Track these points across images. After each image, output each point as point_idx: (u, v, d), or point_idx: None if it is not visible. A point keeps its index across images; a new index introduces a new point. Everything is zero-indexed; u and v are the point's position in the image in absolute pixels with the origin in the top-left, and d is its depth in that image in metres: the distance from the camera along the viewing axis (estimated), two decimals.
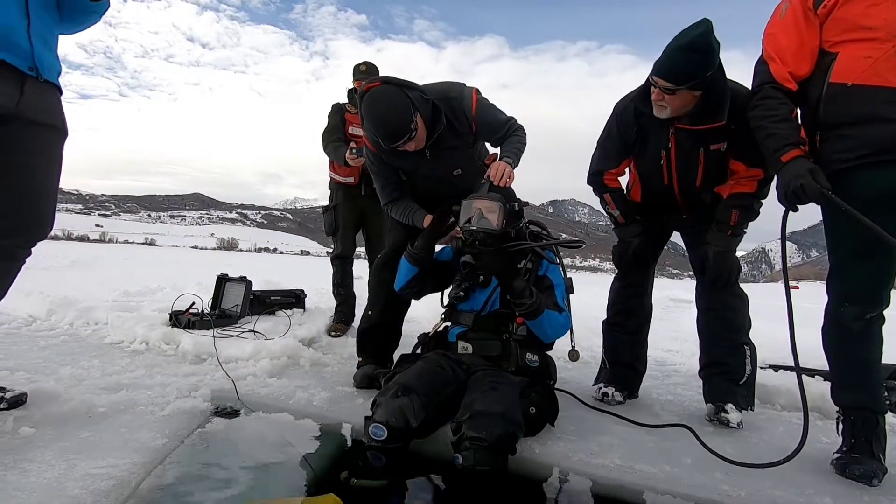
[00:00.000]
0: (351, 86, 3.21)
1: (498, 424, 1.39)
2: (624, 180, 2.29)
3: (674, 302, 8.12)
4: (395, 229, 2.29)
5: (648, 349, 2.33)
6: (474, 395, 1.54)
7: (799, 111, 1.64)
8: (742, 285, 2.11)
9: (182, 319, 2.81)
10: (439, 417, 1.59)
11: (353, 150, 2.91)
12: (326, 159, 3.27)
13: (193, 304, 2.97)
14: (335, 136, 3.17)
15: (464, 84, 2.05)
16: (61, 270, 7.60)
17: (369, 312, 2.27)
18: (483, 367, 1.76)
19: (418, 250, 1.93)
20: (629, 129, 2.03)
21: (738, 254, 2.08)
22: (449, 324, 1.97)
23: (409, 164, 2.08)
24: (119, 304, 3.58)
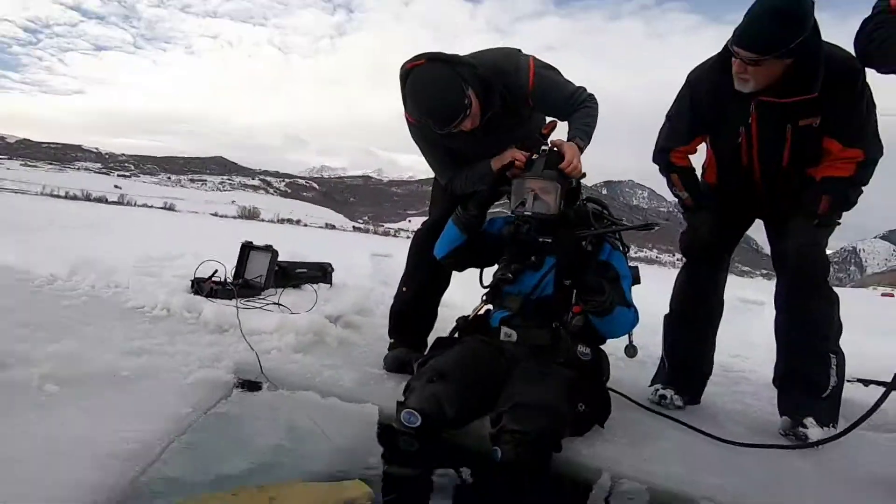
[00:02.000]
0: None
1: (542, 418, 1.39)
2: (698, 159, 2.21)
3: (742, 303, 7.83)
4: (439, 201, 2.29)
5: (714, 354, 2.27)
6: (518, 385, 1.54)
7: None
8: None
9: (204, 287, 2.92)
10: (476, 408, 1.60)
11: None
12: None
13: (216, 271, 3.08)
14: None
15: (519, 51, 1.98)
16: (80, 230, 8.03)
17: (404, 289, 2.29)
18: (528, 358, 1.76)
19: (470, 215, 1.90)
20: (703, 104, 1.96)
21: (826, 251, 1.98)
22: (491, 307, 1.97)
23: (459, 144, 2.04)
24: (141, 267, 3.75)
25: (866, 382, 2.43)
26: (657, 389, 2.13)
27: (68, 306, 2.66)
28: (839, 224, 1.96)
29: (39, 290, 2.99)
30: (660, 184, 2.24)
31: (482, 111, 1.90)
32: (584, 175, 1.94)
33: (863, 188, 1.88)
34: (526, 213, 1.82)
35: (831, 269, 2.01)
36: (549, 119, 2.20)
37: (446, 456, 1.53)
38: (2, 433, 1.23)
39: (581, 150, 1.94)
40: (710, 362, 2.24)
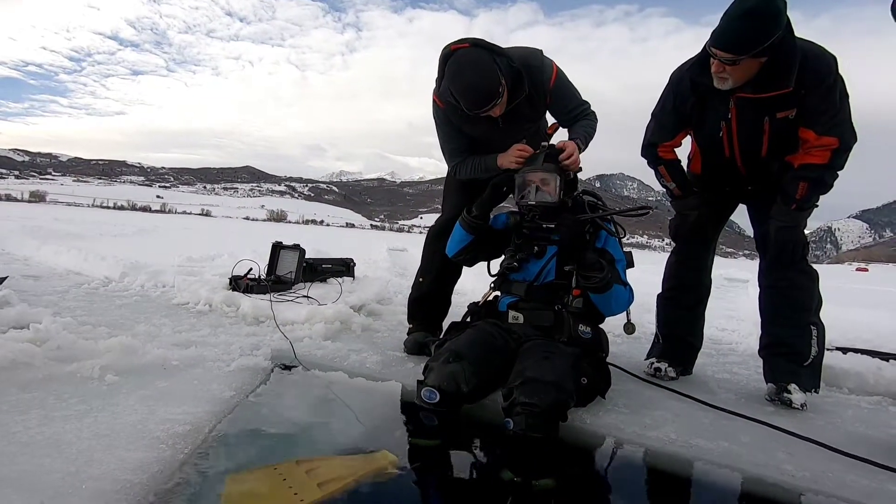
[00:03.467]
0: None
1: (550, 391, 1.39)
2: (683, 151, 2.18)
3: (728, 281, 7.76)
4: (452, 198, 2.29)
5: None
6: (526, 362, 1.54)
7: None
8: None
9: (241, 284, 2.95)
10: (489, 385, 1.60)
11: None
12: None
13: (251, 269, 3.11)
14: None
15: (542, 52, 1.98)
16: (130, 237, 8.13)
17: (421, 280, 2.30)
18: (534, 337, 1.76)
19: (474, 217, 1.93)
20: (685, 101, 1.92)
21: (804, 231, 1.95)
22: (499, 293, 1.97)
23: (479, 131, 2.03)
24: (183, 268, 3.80)
25: (845, 350, 2.39)
26: (652, 363, 2.12)
27: (122, 305, 2.71)
28: (817, 206, 1.93)
29: (95, 292, 3.05)
30: (648, 175, 2.21)
31: (509, 101, 1.90)
32: (580, 169, 1.93)
33: (838, 173, 1.84)
34: (529, 202, 1.82)
35: (809, 248, 1.98)
36: (552, 121, 2.18)
37: (463, 428, 1.53)
38: (70, 418, 1.26)
39: (579, 150, 1.94)
40: (700, 336, 2.22)
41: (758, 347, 2.04)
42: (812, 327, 1.91)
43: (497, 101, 1.79)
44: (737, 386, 2.08)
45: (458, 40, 1.84)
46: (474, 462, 1.41)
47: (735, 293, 5.71)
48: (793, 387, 1.80)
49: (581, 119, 2.02)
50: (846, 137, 1.74)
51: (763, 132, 1.82)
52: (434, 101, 2.05)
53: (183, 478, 1.09)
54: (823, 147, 1.75)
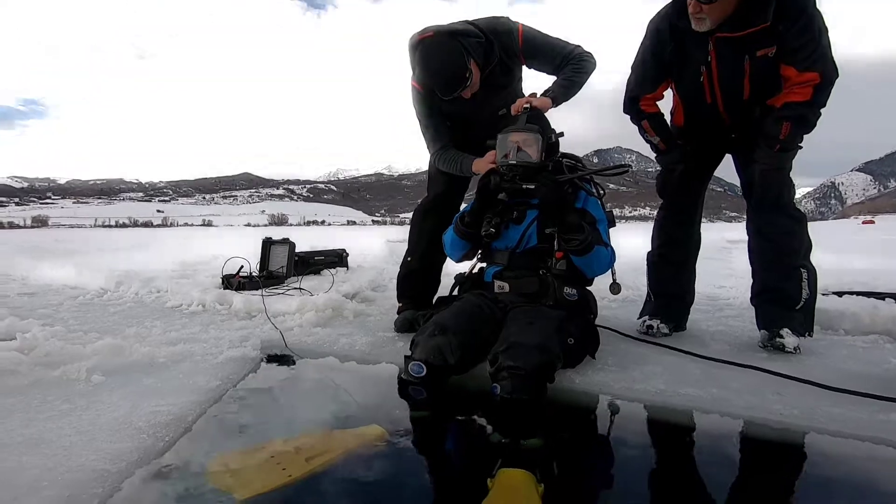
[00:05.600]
0: None
1: (534, 354, 1.38)
2: (665, 106, 2.14)
3: (731, 243, 7.72)
4: (437, 178, 2.30)
5: (701, 286, 2.23)
6: (511, 328, 1.54)
7: None
8: (810, 224, 1.96)
9: (233, 282, 2.96)
10: (477, 355, 1.59)
11: None
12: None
13: (242, 267, 3.11)
14: None
15: (509, 18, 2.02)
16: (127, 251, 8.16)
17: (409, 259, 2.31)
18: (520, 304, 1.74)
19: (468, 226, 1.90)
20: (664, 48, 1.89)
21: (805, 190, 1.93)
22: (484, 265, 1.95)
23: (456, 106, 2.05)
24: (177, 272, 3.81)
25: (840, 294, 2.37)
26: (644, 321, 2.10)
27: (115, 312, 2.71)
28: (801, 147, 1.89)
29: (90, 302, 3.06)
30: (646, 147, 2.17)
31: (482, 75, 1.95)
32: (561, 133, 1.90)
33: (821, 111, 1.80)
34: (511, 162, 1.78)
35: (812, 205, 1.94)
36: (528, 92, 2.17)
37: (452, 398, 1.53)
38: (53, 418, 1.26)
39: (555, 102, 1.96)
40: (692, 291, 2.20)
41: (750, 296, 2.02)
42: (802, 270, 1.89)
43: (466, 85, 1.87)
44: (730, 337, 2.07)
45: (424, 29, 1.90)
46: (464, 429, 1.41)
47: (736, 254, 5.68)
48: (785, 331, 1.79)
49: (565, 66, 2.02)
50: (827, 71, 1.70)
51: (744, 73, 1.79)
52: (413, 85, 2.10)
53: (166, 463, 1.08)
54: (805, 83, 1.71)
